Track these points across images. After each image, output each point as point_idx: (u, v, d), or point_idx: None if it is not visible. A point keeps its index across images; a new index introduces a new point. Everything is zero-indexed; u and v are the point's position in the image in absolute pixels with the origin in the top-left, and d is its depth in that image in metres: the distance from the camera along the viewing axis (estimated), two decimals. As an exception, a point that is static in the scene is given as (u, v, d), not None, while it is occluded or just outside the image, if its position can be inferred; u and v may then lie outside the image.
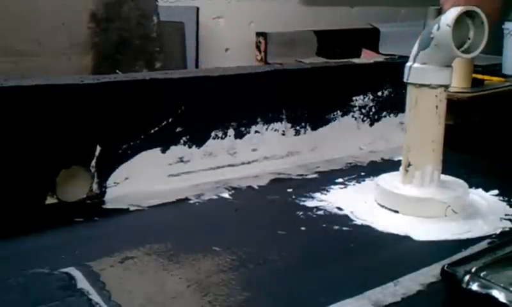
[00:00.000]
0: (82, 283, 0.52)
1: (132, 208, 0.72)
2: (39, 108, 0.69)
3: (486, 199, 0.75)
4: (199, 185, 0.80)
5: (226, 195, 0.78)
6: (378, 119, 1.01)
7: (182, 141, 0.80)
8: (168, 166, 0.80)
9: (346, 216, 0.70)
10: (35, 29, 1.15)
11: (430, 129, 0.70)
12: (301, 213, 0.71)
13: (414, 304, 0.51)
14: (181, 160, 0.81)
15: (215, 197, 0.77)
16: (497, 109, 1.74)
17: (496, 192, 0.77)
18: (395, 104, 1.00)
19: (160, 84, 0.78)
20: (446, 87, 0.70)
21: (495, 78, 1.82)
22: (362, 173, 0.87)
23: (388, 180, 0.74)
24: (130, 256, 0.58)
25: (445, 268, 0.48)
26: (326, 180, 0.83)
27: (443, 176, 0.72)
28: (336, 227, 0.67)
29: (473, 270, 0.46)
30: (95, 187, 0.74)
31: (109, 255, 0.58)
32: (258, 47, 2.11)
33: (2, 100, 0.67)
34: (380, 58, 1.50)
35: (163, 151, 0.79)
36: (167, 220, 0.70)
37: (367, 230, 0.66)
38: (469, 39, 0.68)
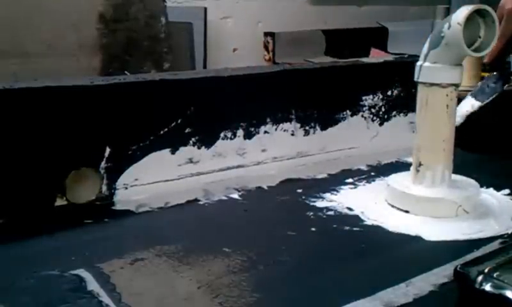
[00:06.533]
0: (93, 284, 0.52)
1: (141, 210, 0.72)
2: (49, 109, 0.69)
3: (497, 198, 0.74)
4: (208, 185, 0.80)
5: (235, 196, 0.77)
6: (388, 119, 1.00)
7: (191, 142, 0.80)
8: (178, 167, 0.80)
9: (357, 216, 0.70)
10: (44, 30, 1.16)
11: (441, 128, 0.70)
12: (311, 213, 0.71)
13: (426, 305, 0.50)
14: (190, 161, 0.81)
15: (224, 198, 0.77)
16: (507, 107, 1.73)
17: (507, 191, 0.76)
18: (405, 104, 1.00)
19: (169, 85, 0.78)
20: (457, 86, 0.69)
21: (504, 77, 1.81)
22: (372, 173, 0.86)
23: (398, 180, 0.74)
24: (141, 258, 0.58)
25: (458, 268, 0.47)
26: (335, 180, 0.83)
27: (454, 176, 0.72)
28: (346, 227, 0.67)
29: (486, 270, 0.46)
30: (104, 188, 0.74)
31: (119, 257, 0.58)
32: (266, 47, 2.11)
33: (13, 101, 0.67)
34: (389, 57, 1.49)
35: (172, 152, 0.79)
36: (177, 222, 0.70)
37: (377, 230, 0.66)
38: (479, 37, 0.67)
